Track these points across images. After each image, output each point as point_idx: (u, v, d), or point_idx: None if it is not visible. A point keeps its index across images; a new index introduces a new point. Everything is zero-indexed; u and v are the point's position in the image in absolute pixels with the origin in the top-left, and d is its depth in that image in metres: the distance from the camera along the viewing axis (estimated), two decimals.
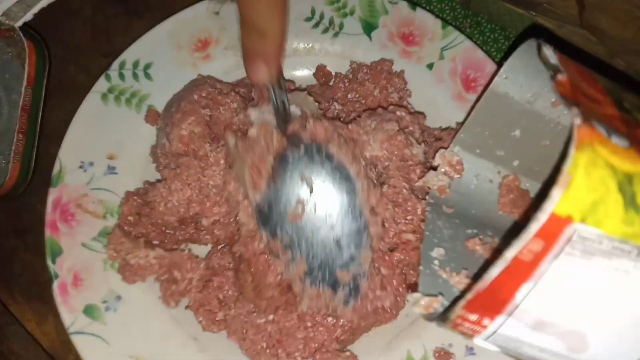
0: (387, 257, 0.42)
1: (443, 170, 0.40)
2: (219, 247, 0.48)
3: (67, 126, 0.51)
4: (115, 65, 0.53)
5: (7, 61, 0.51)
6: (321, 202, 0.42)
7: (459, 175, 0.40)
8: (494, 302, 0.23)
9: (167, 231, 0.48)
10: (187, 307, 0.46)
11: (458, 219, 0.38)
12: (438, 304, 0.29)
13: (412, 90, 0.53)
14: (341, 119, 0.52)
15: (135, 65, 0.53)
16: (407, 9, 0.54)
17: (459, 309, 0.24)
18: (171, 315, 0.46)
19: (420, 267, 0.33)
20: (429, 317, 0.29)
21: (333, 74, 0.55)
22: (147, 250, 0.45)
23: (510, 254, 0.21)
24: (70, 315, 0.45)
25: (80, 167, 0.50)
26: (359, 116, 0.51)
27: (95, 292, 0.46)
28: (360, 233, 0.42)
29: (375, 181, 0.44)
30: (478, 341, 0.26)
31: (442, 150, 0.40)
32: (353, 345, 0.45)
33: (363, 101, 0.53)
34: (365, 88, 0.52)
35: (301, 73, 0.56)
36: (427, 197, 0.38)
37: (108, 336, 0.44)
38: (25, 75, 0.50)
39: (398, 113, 0.49)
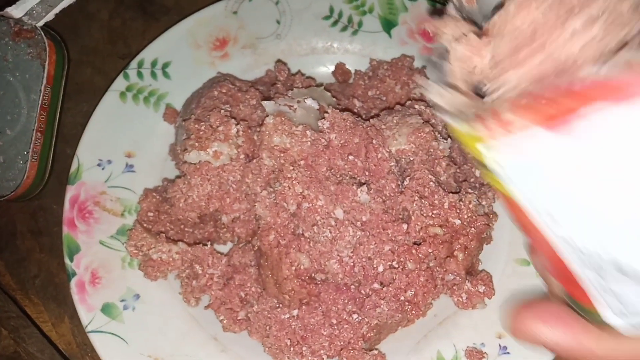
0: (413, 251, 0.41)
1: None
2: (240, 245, 0.46)
3: (83, 128, 0.51)
4: (134, 63, 0.53)
5: (27, 62, 0.51)
6: None
7: None
8: (549, 111, 0.17)
9: (185, 229, 0.47)
10: (207, 307, 0.45)
11: None
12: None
13: None
14: (362, 116, 0.51)
15: (154, 64, 0.53)
16: (426, 5, 0.54)
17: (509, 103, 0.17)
18: (190, 314, 0.45)
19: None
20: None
21: (352, 71, 0.55)
22: (169, 245, 0.44)
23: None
24: (88, 313, 0.43)
25: (99, 164, 0.49)
26: (378, 114, 0.50)
27: (114, 290, 0.45)
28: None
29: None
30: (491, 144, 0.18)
31: None
32: (379, 346, 0.44)
33: (384, 98, 0.52)
34: (386, 85, 0.51)
35: (319, 71, 0.55)
36: None
37: (126, 335, 0.43)
38: (45, 74, 0.50)
39: (417, 107, 0.48)
